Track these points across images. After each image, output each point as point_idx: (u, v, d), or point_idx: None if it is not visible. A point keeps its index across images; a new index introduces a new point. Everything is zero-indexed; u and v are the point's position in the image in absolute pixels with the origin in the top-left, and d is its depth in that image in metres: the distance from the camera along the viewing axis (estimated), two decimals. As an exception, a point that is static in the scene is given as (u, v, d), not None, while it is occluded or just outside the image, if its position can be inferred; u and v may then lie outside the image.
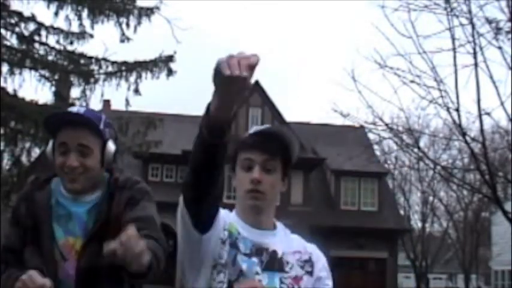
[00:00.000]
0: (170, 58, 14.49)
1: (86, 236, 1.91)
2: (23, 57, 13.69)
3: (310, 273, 1.75)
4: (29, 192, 2.03)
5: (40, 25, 13.83)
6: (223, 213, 1.73)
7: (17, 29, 13.78)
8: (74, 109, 2.01)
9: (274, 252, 1.71)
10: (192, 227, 1.62)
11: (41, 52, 14.01)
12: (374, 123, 11.39)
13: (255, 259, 1.68)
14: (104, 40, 14.74)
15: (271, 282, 1.67)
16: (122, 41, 14.22)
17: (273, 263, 1.70)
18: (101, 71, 14.26)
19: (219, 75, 1.41)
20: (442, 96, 10.12)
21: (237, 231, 1.72)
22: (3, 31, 13.53)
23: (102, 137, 1.96)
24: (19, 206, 2.06)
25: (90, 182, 1.96)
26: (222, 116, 1.47)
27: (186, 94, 69.22)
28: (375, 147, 21.32)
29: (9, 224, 2.07)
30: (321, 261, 1.80)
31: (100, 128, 1.96)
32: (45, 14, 22.98)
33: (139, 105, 15.89)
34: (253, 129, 1.82)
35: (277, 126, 1.85)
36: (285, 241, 1.77)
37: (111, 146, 1.97)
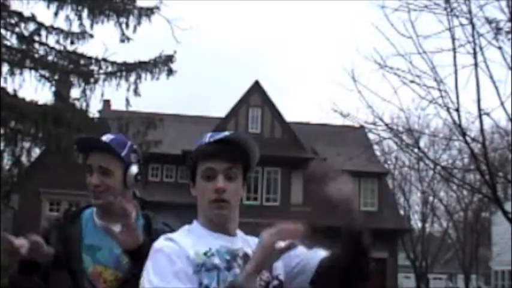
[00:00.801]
0: (170, 58, 14.49)
1: (120, 268, 2.12)
2: (23, 57, 13.69)
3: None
4: (62, 223, 2.26)
5: (40, 25, 13.83)
6: (184, 265, 1.63)
7: (17, 29, 13.77)
8: (103, 137, 2.27)
9: (246, 255, 1.72)
10: None
11: (41, 52, 14.01)
12: (374, 123, 11.40)
13: (235, 270, 1.68)
14: (104, 40, 14.74)
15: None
16: (122, 41, 14.22)
17: None
18: (101, 71, 14.26)
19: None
20: (442, 96, 10.13)
21: (204, 253, 1.67)
22: (3, 31, 13.53)
23: (124, 162, 2.22)
24: (51, 230, 2.28)
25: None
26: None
27: (186, 94, 69.26)
28: (375, 147, 21.34)
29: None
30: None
31: (121, 154, 2.22)
32: (45, 14, 22.98)
33: (139, 105, 15.88)
34: (208, 137, 1.80)
35: (236, 133, 1.81)
36: (246, 242, 1.79)
37: (132, 169, 2.23)
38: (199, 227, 1.76)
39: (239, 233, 1.83)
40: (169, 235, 1.73)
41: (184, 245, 1.68)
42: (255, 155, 1.80)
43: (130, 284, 1.94)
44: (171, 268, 1.60)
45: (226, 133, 1.80)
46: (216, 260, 1.67)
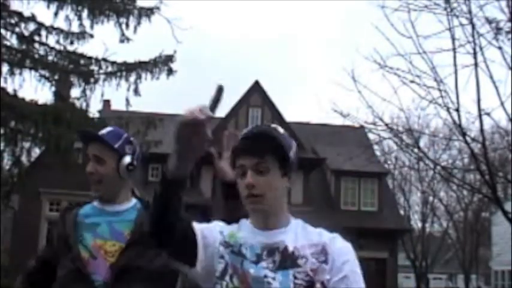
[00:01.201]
0: (170, 58, 14.49)
1: (121, 240, 2.35)
2: (23, 57, 13.69)
3: (325, 262, 1.69)
4: (60, 216, 2.48)
5: (40, 25, 13.83)
6: (213, 230, 1.76)
7: (17, 29, 13.78)
8: (102, 130, 2.47)
9: (286, 249, 1.70)
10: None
11: (41, 52, 14.01)
12: (374, 123, 11.38)
13: (263, 263, 1.68)
14: (104, 40, 14.71)
15: (285, 281, 1.65)
16: (122, 41, 14.22)
17: (285, 260, 1.69)
18: (101, 71, 14.27)
19: (179, 128, 1.58)
20: (442, 96, 10.11)
21: (241, 239, 1.73)
22: (3, 31, 13.53)
23: (118, 152, 2.41)
24: (52, 229, 2.54)
25: (108, 190, 2.42)
26: (180, 173, 1.66)
27: (186, 94, 69.23)
28: (375, 147, 21.32)
29: (46, 241, 2.60)
30: (340, 253, 1.72)
31: (115, 145, 2.41)
32: (45, 14, 23.01)
33: (139, 105, 15.89)
34: (243, 132, 1.82)
35: (262, 125, 1.81)
36: (300, 236, 1.75)
37: (125, 159, 2.40)
38: (247, 223, 1.80)
39: (294, 225, 1.78)
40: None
41: (227, 229, 1.78)
42: (286, 144, 1.75)
43: (130, 252, 2.30)
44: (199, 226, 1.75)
45: (253, 127, 1.81)
46: (246, 251, 1.71)
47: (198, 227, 1.75)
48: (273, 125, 1.80)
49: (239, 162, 1.75)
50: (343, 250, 1.73)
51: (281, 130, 1.78)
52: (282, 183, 1.77)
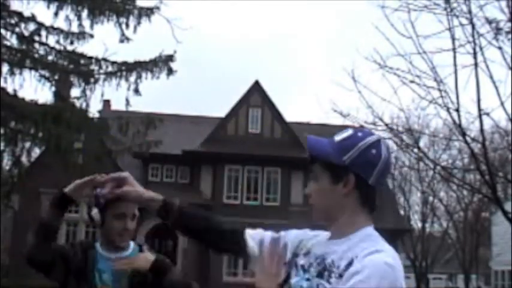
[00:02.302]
0: (170, 58, 14.50)
1: (116, 286, 2.63)
2: (23, 57, 13.70)
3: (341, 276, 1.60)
4: (86, 247, 2.68)
5: (40, 25, 13.84)
6: (293, 237, 1.82)
7: (17, 29, 13.78)
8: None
9: (330, 261, 1.64)
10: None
11: (41, 52, 14.02)
12: (374, 123, 11.34)
13: (306, 274, 1.67)
14: (103, 40, 14.73)
15: (310, 287, 1.65)
16: (122, 41, 14.22)
17: (323, 271, 1.64)
18: (101, 71, 14.27)
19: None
20: (442, 97, 10.09)
21: (305, 248, 1.75)
22: (3, 31, 13.54)
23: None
24: (77, 251, 2.65)
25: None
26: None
27: (186, 94, 69.27)
28: (375, 147, 21.27)
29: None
30: (361, 268, 1.56)
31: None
32: (45, 14, 23.05)
33: (139, 105, 15.91)
34: None
35: (309, 136, 1.74)
36: (351, 249, 1.62)
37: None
38: (325, 232, 1.79)
39: (355, 236, 1.65)
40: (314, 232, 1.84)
41: (302, 236, 1.81)
42: (321, 149, 1.69)
43: None
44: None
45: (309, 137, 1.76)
46: (303, 260, 1.72)
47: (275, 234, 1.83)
48: (313, 136, 1.74)
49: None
50: (362, 267, 1.56)
51: (342, 134, 1.70)
52: (334, 191, 1.66)
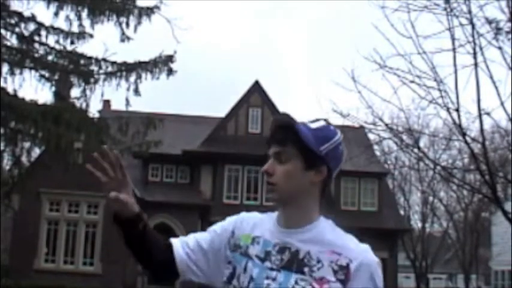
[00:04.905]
0: (170, 58, 14.50)
1: None
2: (23, 57, 13.71)
3: (342, 282, 1.57)
4: None
5: (40, 25, 13.84)
6: (222, 233, 1.76)
7: (17, 29, 13.79)
8: None
9: (297, 251, 1.62)
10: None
11: (41, 52, 14.03)
12: (374, 124, 11.35)
13: (268, 262, 1.63)
14: (104, 40, 14.76)
15: (285, 282, 1.58)
16: (122, 40, 14.23)
17: (292, 263, 1.61)
18: (101, 71, 14.28)
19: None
20: (442, 97, 10.09)
21: (250, 239, 1.70)
22: (3, 31, 13.55)
23: None
24: None
25: None
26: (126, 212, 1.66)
27: (186, 94, 69.26)
28: (375, 147, 21.31)
29: None
30: (364, 271, 1.60)
31: None
32: (45, 14, 23.04)
33: (139, 105, 15.92)
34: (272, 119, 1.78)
35: (283, 115, 1.74)
36: (320, 240, 1.63)
37: None
38: (274, 216, 1.75)
39: (317, 226, 1.66)
40: (245, 213, 1.81)
41: (246, 223, 1.75)
42: (311, 137, 1.66)
43: None
44: (207, 231, 1.76)
45: (283, 115, 1.74)
46: (255, 249, 1.67)
47: (202, 236, 1.76)
48: (291, 117, 1.72)
49: (268, 151, 1.71)
50: (366, 268, 1.62)
51: (316, 123, 1.70)
52: (304, 177, 1.65)
